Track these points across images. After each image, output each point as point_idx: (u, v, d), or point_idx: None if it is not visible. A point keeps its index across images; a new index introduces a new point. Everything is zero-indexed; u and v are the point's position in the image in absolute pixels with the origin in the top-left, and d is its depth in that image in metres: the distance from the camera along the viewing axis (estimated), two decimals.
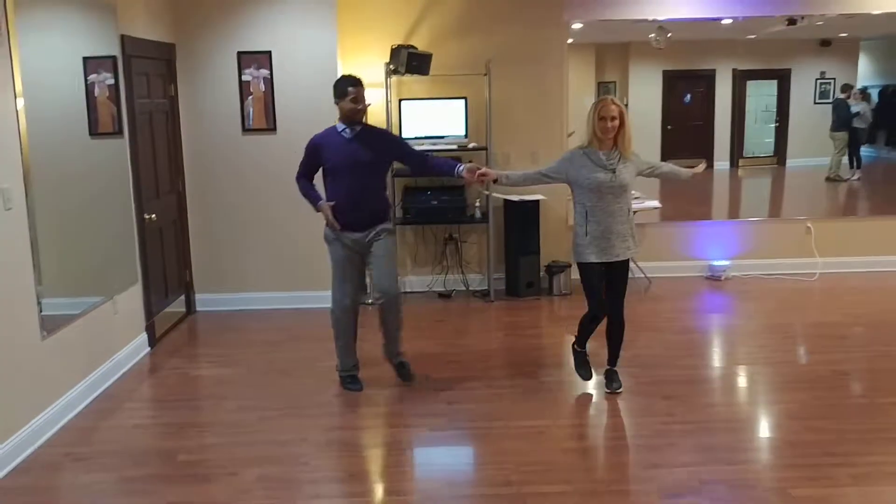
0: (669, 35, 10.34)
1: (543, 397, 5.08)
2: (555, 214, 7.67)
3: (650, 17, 7.84)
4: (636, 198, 7.88)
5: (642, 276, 7.78)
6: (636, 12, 7.70)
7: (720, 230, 8.31)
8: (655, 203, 8.00)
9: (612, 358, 5.16)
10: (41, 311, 4.61)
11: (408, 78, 7.23)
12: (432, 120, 7.38)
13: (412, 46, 7.08)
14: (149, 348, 6.18)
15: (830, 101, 16.24)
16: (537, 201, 7.43)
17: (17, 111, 4.44)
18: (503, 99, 7.41)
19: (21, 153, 4.48)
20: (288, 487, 3.98)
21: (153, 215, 6.27)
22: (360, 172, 4.94)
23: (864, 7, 7.84)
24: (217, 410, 5.05)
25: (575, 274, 7.50)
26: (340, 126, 5.03)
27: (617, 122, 4.75)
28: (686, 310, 7.10)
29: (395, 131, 7.25)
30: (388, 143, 5.18)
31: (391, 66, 7.10)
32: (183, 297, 7.11)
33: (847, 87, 14.77)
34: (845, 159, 14.65)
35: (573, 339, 5.19)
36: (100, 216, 5.58)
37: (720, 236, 8.17)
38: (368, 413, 4.92)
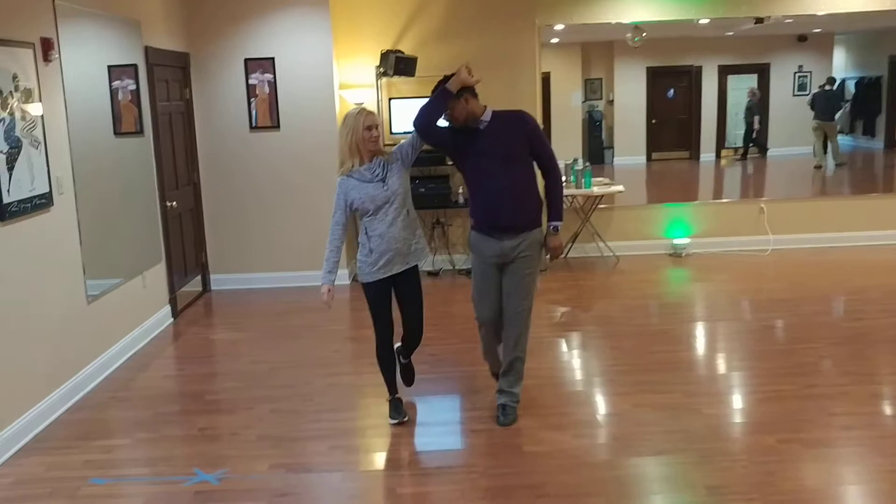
0: (644, 34, 11.24)
1: None
2: None
3: (614, 21, 8.69)
4: (605, 183, 8.81)
5: (611, 254, 8.66)
6: (602, 16, 8.56)
7: (682, 211, 9.17)
8: (620, 187, 8.84)
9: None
10: (86, 281, 5.51)
11: (396, 79, 8.12)
12: None
13: (399, 51, 7.98)
14: (172, 318, 7.08)
15: (808, 93, 17.03)
16: None
17: (66, 113, 5.35)
18: (482, 96, 8.24)
19: (70, 148, 5.38)
20: (295, 416, 4.89)
21: (174, 203, 7.17)
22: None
23: (806, 9, 8.68)
24: (234, 364, 5.96)
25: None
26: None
27: (380, 130, 4.54)
28: (646, 281, 7.97)
29: (385, 128, 8.13)
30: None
31: (381, 69, 7.99)
32: (199, 277, 8.01)
33: (831, 80, 15.47)
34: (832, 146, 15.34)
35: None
36: (130, 204, 6.46)
37: (681, 216, 9.03)
38: (363, 363, 5.75)
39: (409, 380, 5.01)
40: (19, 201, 4.74)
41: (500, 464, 4.16)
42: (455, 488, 3.93)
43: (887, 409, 4.75)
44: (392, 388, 4.78)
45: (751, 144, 17.30)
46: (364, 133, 4.37)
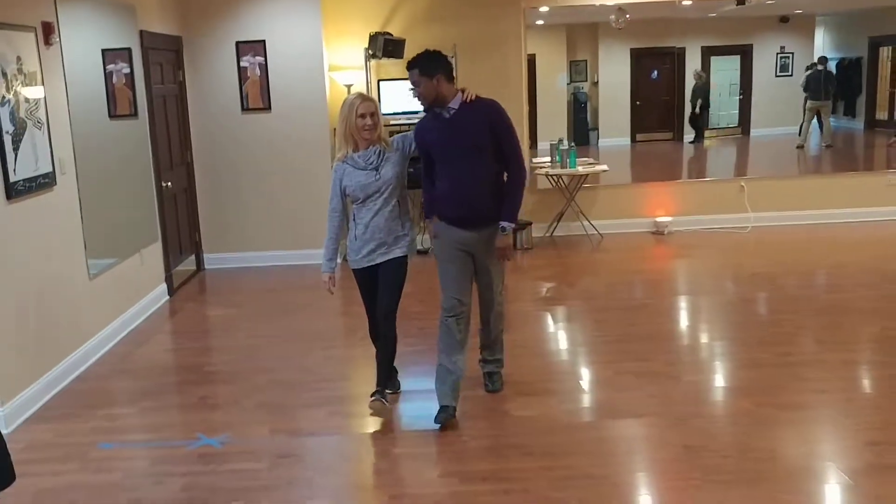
0: (628, 16, 11.43)
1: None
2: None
3: (598, 2, 8.89)
4: (589, 163, 9.02)
5: (595, 232, 8.88)
6: None
7: (665, 190, 9.40)
8: (604, 167, 9.06)
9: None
10: (87, 258, 5.70)
11: (385, 61, 8.28)
12: (407, 98, 8.36)
13: (388, 33, 8.15)
14: (168, 296, 7.26)
15: (790, 74, 17.25)
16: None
17: (66, 95, 5.51)
18: (469, 77, 8.40)
19: (71, 130, 5.55)
20: (293, 385, 5.10)
21: (169, 183, 7.34)
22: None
23: None
24: (231, 338, 6.17)
25: (536, 231, 8.72)
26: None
27: (375, 118, 4.37)
28: (629, 258, 8.20)
29: None
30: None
31: (370, 51, 8.16)
32: (193, 256, 8.19)
33: (823, 60, 15.64)
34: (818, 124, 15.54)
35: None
36: (127, 185, 6.63)
37: (664, 195, 9.26)
38: (357, 337, 5.95)
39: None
40: (25, 180, 4.91)
41: (489, 426, 4.39)
42: (446, 448, 4.17)
43: (857, 375, 5.00)
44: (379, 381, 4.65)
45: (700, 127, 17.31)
46: (357, 121, 4.33)
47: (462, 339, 4.51)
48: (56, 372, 5.15)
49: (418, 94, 4.36)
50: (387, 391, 4.64)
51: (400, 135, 4.54)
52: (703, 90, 17.05)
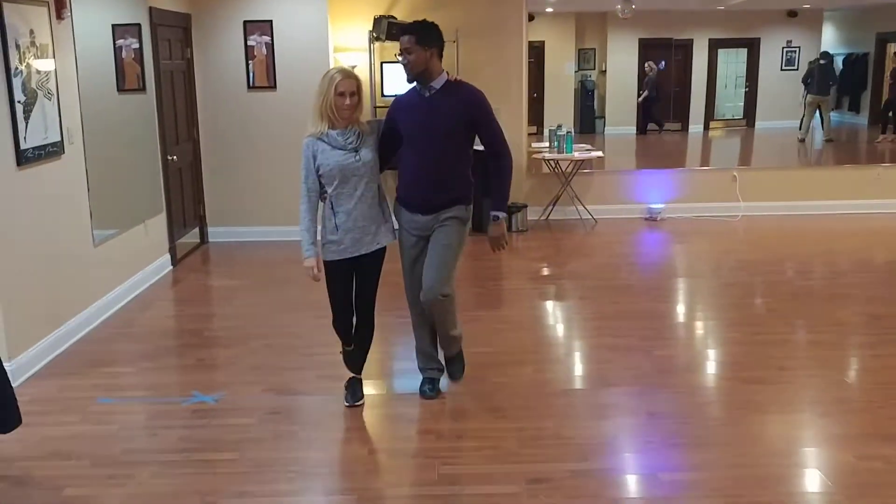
0: (634, 7, 11.63)
1: (493, 298, 6.44)
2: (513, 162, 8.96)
3: None
4: (586, 149, 9.24)
5: (589, 217, 9.10)
6: None
7: (658, 178, 9.61)
8: (599, 153, 9.28)
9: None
10: (93, 225, 5.96)
11: (389, 44, 8.50)
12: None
13: (392, 17, 8.37)
14: (171, 266, 7.53)
15: (796, 68, 17.37)
16: None
17: (76, 68, 5.76)
18: (470, 63, 8.66)
19: (79, 102, 5.81)
20: (287, 350, 5.37)
21: (174, 157, 7.59)
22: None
23: None
24: (230, 306, 6.44)
25: (532, 214, 8.95)
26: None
27: (356, 99, 4.09)
28: (619, 242, 8.43)
29: (377, 91, 8.54)
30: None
31: (374, 34, 8.38)
32: (197, 229, 8.45)
33: (825, 55, 15.77)
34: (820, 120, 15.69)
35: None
36: (133, 157, 6.88)
37: (658, 183, 9.47)
38: None
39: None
40: (34, 148, 5.17)
41: (466, 391, 4.64)
42: (425, 410, 4.43)
43: (820, 353, 5.22)
44: (353, 368, 4.56)
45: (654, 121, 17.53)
46: (336, 99, 4.01)
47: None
48: (60, 332, 5.42)
49: (406, 62, 4.15)
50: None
51: (376, 119, 4.33)
52: (654, 83, 17.20)
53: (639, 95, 17.29)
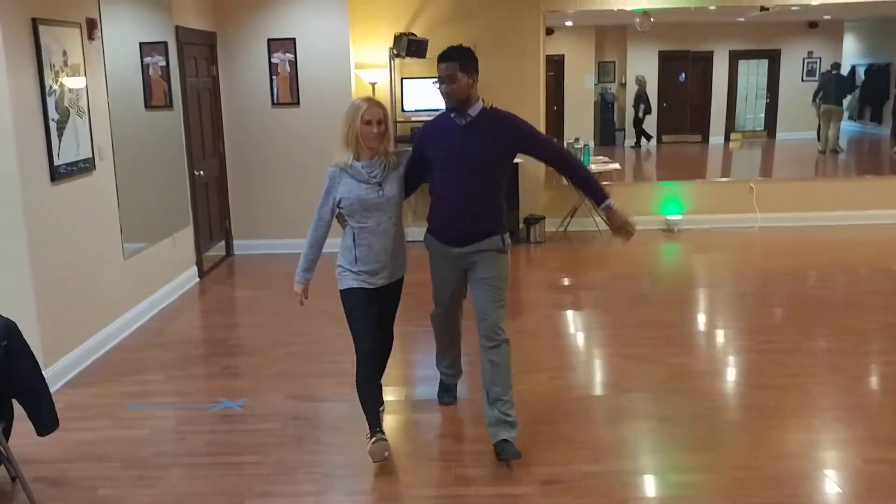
0: (653, 20, 11.73)
1: (511, 307, 6.56)
2: (531, 174, 9.13)
3: (616, 8, 9.21)
4: (604, 162, 9.37)
5: (606, 228, 9.19)
6: (605, 2, 9.10)
7: (677, 189, 9.71)
8: (616, 165, 9.40)
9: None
10: (123, 239, 6.17)
11: (409, 60, 8.70)
12: (429, 96, 8.78)
13: (412, 34, 8.57)
14: (198, 278, 7.73)
15: (817, 79, 17.37)
16: (517, 164, 8.87)
17: (106, 86, 5.99)
18: (488, 78, 8.71)
19: (109, 119, 6.03)
20: (308, 358, 5.55)
21: (201, 172, 7.81)
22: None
23: None
24: (255, 316, 6.62)
25: (550, 226, 9.09)
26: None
27: (383, 127, 3.97)
28: (637, 253, 8.49)
29: (398, 106, 8.73)
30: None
31: (394, 51, 8.58)
32: (223, 242, 8.66)
33: (836, 65, 15.79)
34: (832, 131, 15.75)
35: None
36: (161, 172, 7.10)
37: (676, 194, 9.57)
38: None
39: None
40: (67, 164, 5.38)
41: (481, 398, 4.76)
42: (441, 416, 4.59)
43: (832, 361, 5.32)
44: (374, 424, 4.04)
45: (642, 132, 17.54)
46: (363, 128, 3.89)
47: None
48: (92, 342, 5.62)
49: (448, 91, 3.91)
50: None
51: (404, 150, 4.26)
52: (645, 96, 17.26)
53: (636, 110, 17.32)
